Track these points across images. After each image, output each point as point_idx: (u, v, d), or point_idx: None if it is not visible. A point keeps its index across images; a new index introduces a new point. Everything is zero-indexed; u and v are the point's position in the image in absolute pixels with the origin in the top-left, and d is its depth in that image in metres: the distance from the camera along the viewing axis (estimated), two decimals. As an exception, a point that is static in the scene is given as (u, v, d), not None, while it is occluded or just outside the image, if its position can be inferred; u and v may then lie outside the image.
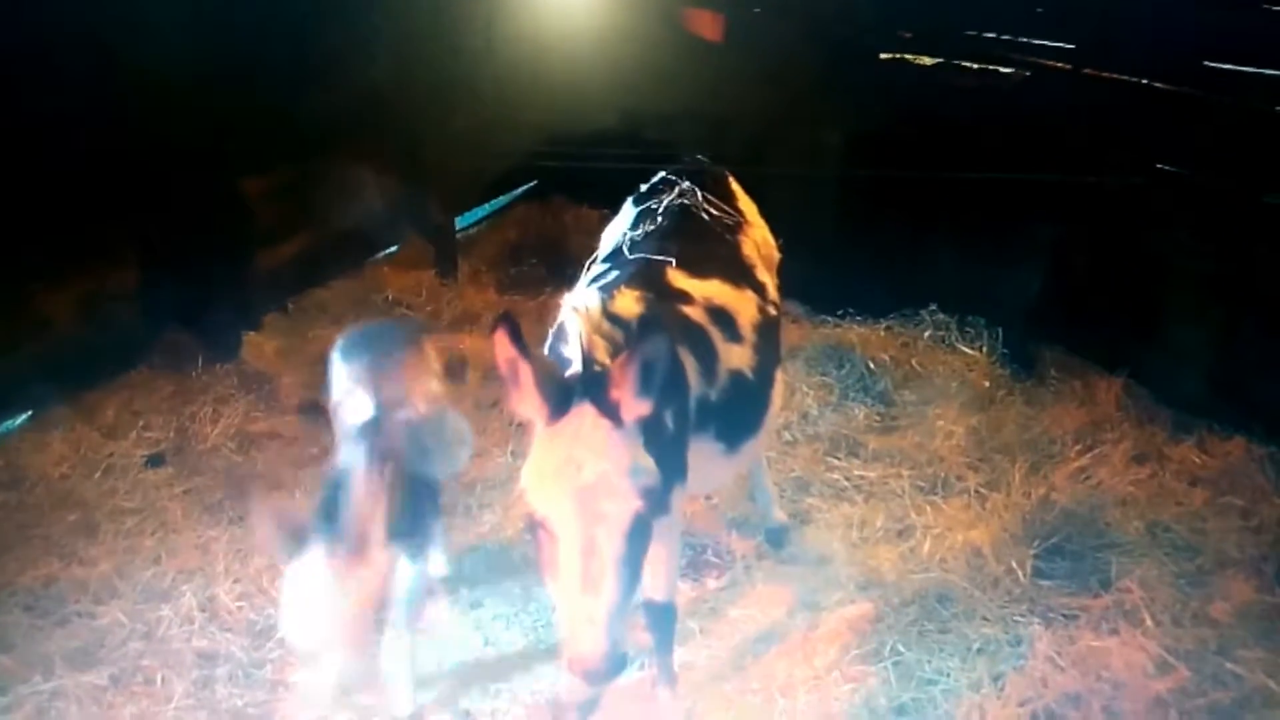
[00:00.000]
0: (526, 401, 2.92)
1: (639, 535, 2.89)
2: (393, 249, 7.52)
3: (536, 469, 2.91)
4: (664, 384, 2.93)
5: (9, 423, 5.51)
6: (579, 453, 2.86)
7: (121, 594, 4.51)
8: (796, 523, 5.03)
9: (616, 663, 2.87)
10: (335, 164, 6.38)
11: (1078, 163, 5.83)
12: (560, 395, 2.91)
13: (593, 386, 2.91)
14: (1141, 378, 5.88)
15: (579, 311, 3.15)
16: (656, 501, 2.93)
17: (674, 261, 3.79)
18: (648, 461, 2.93)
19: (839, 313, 6.67)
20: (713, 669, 4.25)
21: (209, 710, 4.03)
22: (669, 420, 3.28)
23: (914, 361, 6.21)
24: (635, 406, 2.88)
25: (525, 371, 2.88)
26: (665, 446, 3.25)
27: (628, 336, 3.19)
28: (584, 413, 2.88)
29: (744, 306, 3.87)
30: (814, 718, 3.99)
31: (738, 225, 4.32)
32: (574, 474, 2.84)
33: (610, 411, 2.88)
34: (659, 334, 2.93)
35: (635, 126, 7.28)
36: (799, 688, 4.11)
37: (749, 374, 3.75)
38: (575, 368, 3.03)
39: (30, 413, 5.55)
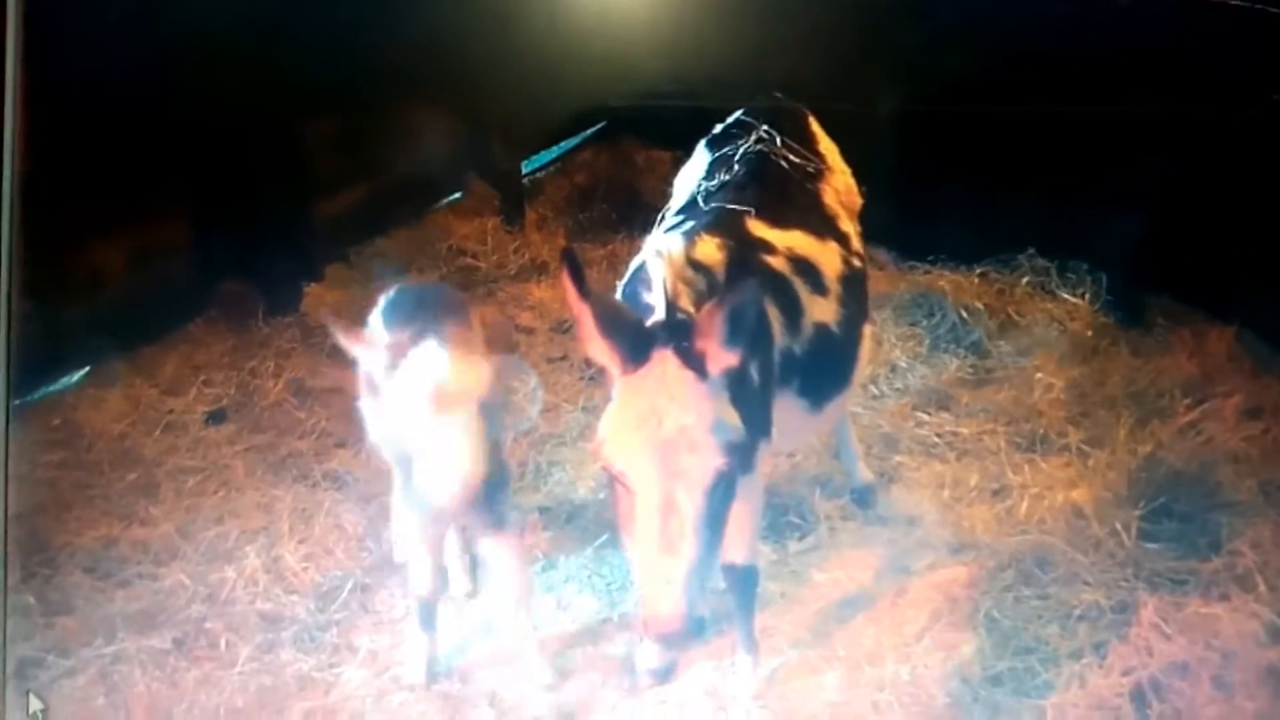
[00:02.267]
0: (593, 346, 2.91)
1: (722, 494, 2.88)
2: (456, 195, 7.52)
3: (614, 420, 2.91)
4: (752, 335, 2.90)
5: (66, 379, 5.59)
6: (660, 404, 2.84)
7: (184, 555, 4.58)
8: (884, 481, 5.00)
9: (694, 627, 2.88)
10: (396, 109, 6.39)
11: (1187, 94, 5.69)
12: (638, 342, 2.89)
13: (676, 334, 2.89)
14: (1255, 326, 5.74)
15: (662, 255, 3.13)
16: (742, 459, 2.91)
17: (753, 211, 3.75)
18: (733, 416, 2.91)
19: (929, 258, 6.56)
20: (795, 635, 4.23)
21: (273, 674, 4.09)
22: (754, 373, 3.26)
23: (1010, 310, 6.12)
24: (722, 357, 2.86)
25: (586, 313, 2.87)
26: (750, 401, 3.23)
27: (711, 284, 3.17)
28: (665, 362, 2.87)
29: (827, 258, 3.84)
30: (902, 687, 3.96)
31: (819, 172, 4.27)
32: (654, 426, 2.83)
33: (694, 362, 2.85)
34: (750, 280, 2.89)
35: (708, 62, 7.19)
36: (887, 656, 4.09)
37: (834, 327, 3.72)
38: (658, 314, 3.01)
39: (88, 369, 5.63)
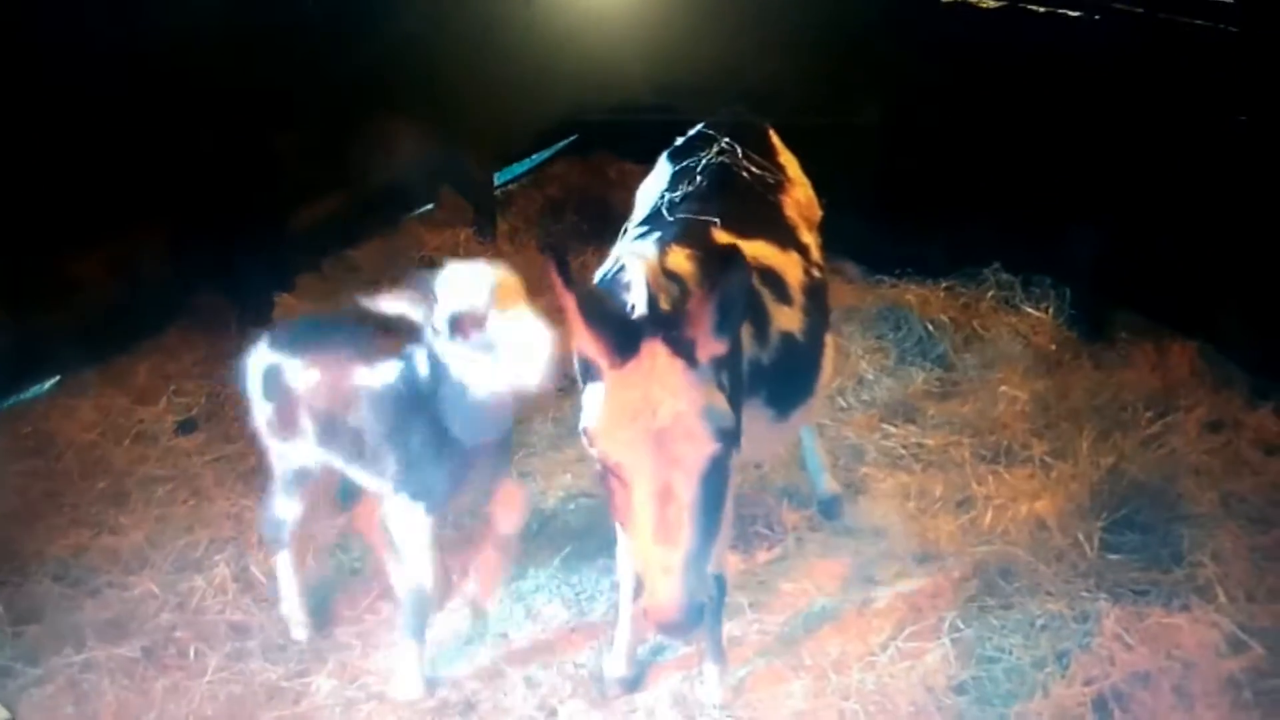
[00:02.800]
0: (581, 339, 2.93)
1: (716, 479, 2.92)
2: (429, 206, 7.54)
3: (607, 414, 2.92)
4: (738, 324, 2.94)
5: (37, 388, 5.60)
6: (654, 394, 2.87)
7: (153, 564, 4.58)
8: (851, 493, 5.03)
9: (695, 614, 2.90)
10: (370, 120, 6.40)
11: (1151, 112, 5.75)
12: (626, 334, 2.92)
13: (664, 325, 2.92)
14: (1217, 340, 5.80)
15: (639, 256, 3.14)
16: (733, 443, 2.96)
17: (718, 222, 3.77)
18: (722, 402, 2.96)
19: (896, 272, 6.61)
20: (762, 645, 4.27)
21: (242, 683, 4.10)
22: (724, 382, 3.28)
23: (976, 323, 6.17)
24: (711, 345, 2.89)
25: (571, 304, 2.89)
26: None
27: (684, 292, 3.19)
28: (655, 352, 2.89)
29: (790, 268, 3.87)
30: (868, 696, 4.00)
31: (779, 183, 4.29)
32: (648, 417, 2.85)
33: (684, 350, 2.88)
34: (740, 267, 2.90)
35: (680, 77, 7.23)
36: (853, 665, 4.13)
37: (799, 337, 3.74)
38: (640, 310, 3.02)
39: (59, 378, 5.63)
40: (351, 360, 3.87)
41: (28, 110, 5.13)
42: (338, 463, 3.99)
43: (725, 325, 2.88)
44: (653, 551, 2.86)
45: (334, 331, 4.06)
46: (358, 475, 3.97)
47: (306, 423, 3.94)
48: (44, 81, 5.13)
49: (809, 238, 4.17)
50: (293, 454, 4.07)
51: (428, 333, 3.58)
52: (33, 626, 4.29)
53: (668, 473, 2.85)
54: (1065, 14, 6.21)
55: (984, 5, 6.51)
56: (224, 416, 5.46)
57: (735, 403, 3.38)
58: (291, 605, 4.32)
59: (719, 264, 2.93)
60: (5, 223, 5.12)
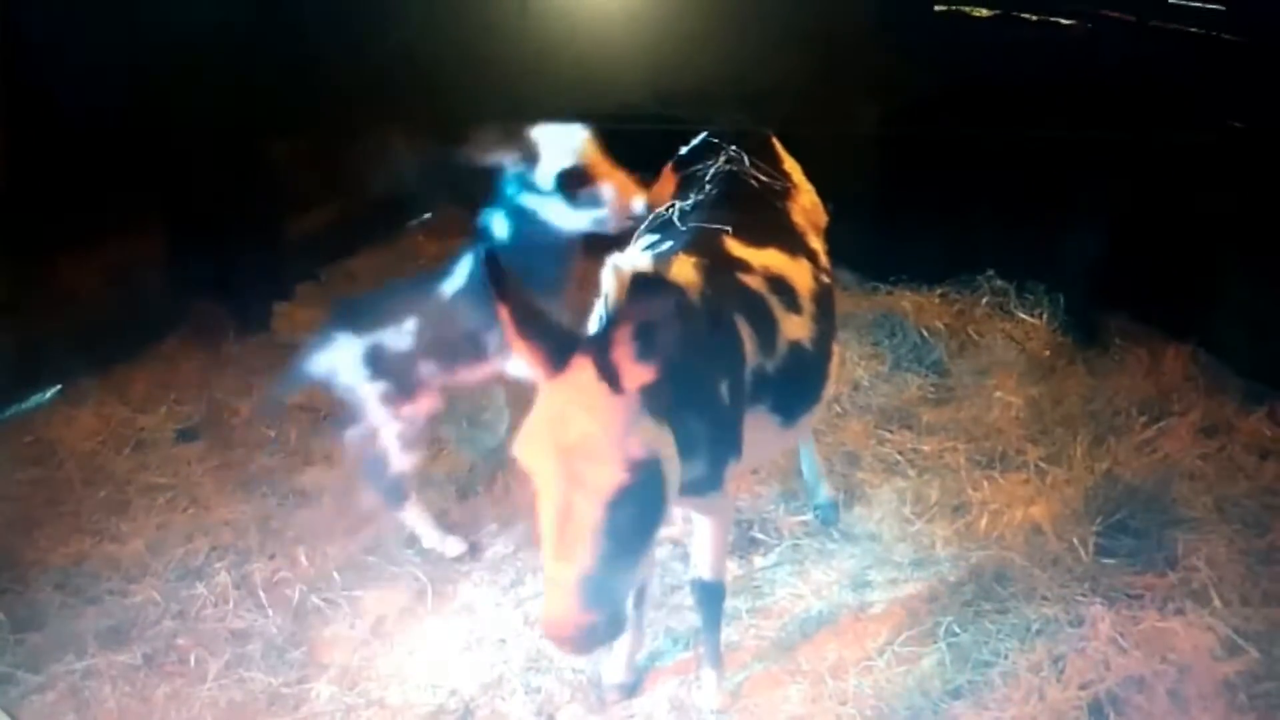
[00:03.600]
0: (516, 347, 2.91)
1: (626, 508, 2.84)
2: (427, 216, 7.56)
3: (529, 421, 2.90)
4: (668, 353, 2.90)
5: (38, 397, 5.61)
6: (569, 410, 2.84)
7: (154, 572, 4.60)
8: (847, 498, 5.04)
9: (589, 635, 2.87)
10: (368, 129, 6.42)
11: (1143, 119, 5.78)
12: (560, 347, 2.89)
13: (598, 345, 2.86)
14: (1210, 345, 5.83)
15: (614, 267, 3.14)
16: (648, 479, 2.87)
17: (730, 230, 3.78)
18: (648, 433, 2.89)
19: (890, 279, 6.64)
20: (759, 650, 4.29)
21: (243, 690, 4.12)
22: (723, 392, 3.30)
23: (970, 329, 6.20)
24: (637, 372, 2.82)
25: (505, 314, 2.88)
26: (716, 420, 3.29)
27: (683, 304, 3.20)
28: (583, 369, 2.85)
29: (801, 275, 3.86)
30: (865, 701, 4.02)
31: (786, 190, 4.30)
32: (559, 432, 2.83)
33: (609, 374, 2.83)
34: (660, 294, 2.88)
35: (678, 86, 7.26)
36: (849, 670, 4.14)
37: (808, 344, 3.74)
38: (595, 325, 3.04)
39: (60, 387, 5.65)
40: (427, 294, 4.39)
41: (28, 119, 5.15)
42: (463, 376, 4.42)
43: (650, 353, 2.80)
44: (549, 565, 2.85)
45: (396, 291, 4.61)
46: (472, 374, 4.40)
47: (428, 370, 4.35)
48: (43, 91, 5.15)
49: (816, 243, 4.17)
50: (415, 410, 4.42)
51: (514, 189, 4.13)
52: (34, 634, 4.31)
53: (570, 492, 2.81)
54: (1058, 22, 6.25)
55: (977, 14, 6.55)
56: (224, 424, 5.48)
57: (734, 416, 3.39)
58: (434, 537, 4.70)
59: (642, 290, 2.88)
60: (5, 232, 5.14)
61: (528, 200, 4.25)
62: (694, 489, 3.35)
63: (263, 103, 6.00)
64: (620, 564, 2.89)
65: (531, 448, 2.87)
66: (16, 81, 5.08)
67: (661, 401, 2.95)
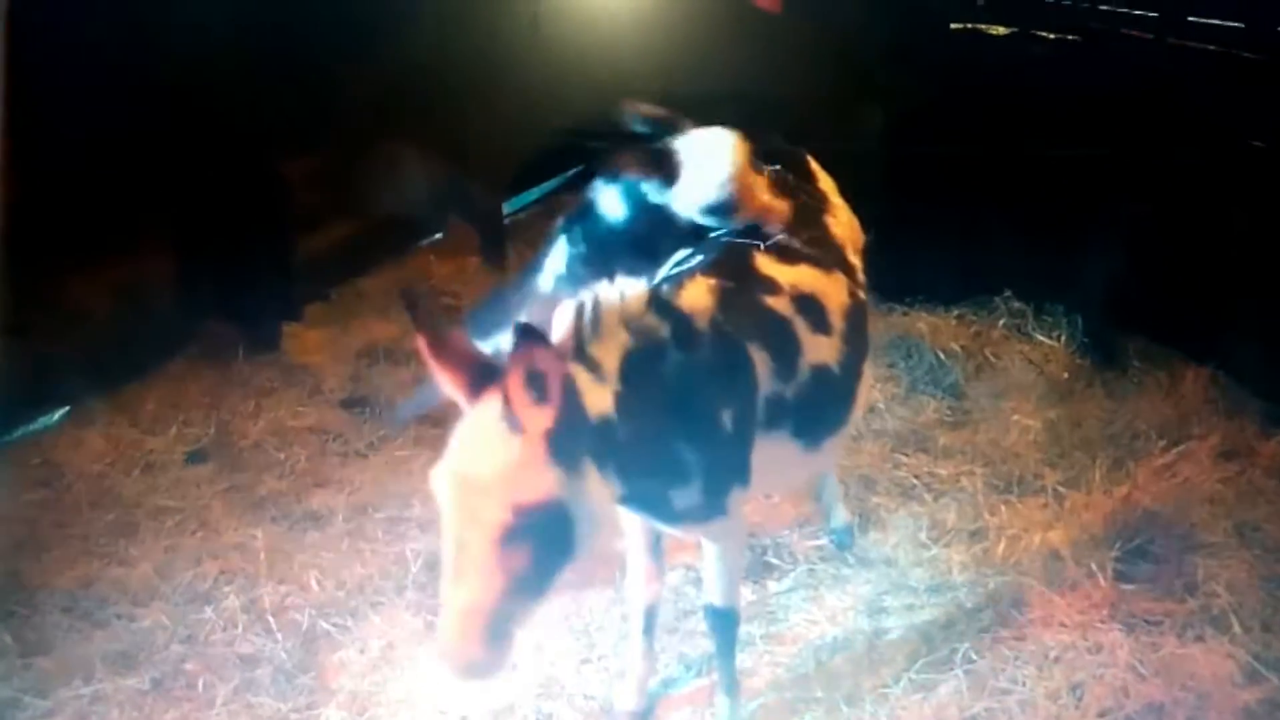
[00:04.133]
0: (438, 376, 2.90)
1: (518, 549, 2.79)
2: (438, 235, 7.57)
3: (449, 444, 2.89)
4: (699, 380, 2.90)
5: (46, 419, 5.61)
6: (468, 439, 2.84)
7: (162, 595, 4.58)
8: (862, 523, 5.01)
9: (470, 664, 2.84)
10: (378, 148, 6.44)
11: (1162, 138, 5.76)
12: (479, 376, 2.87)
13: (504, 380, 2.80)
14: (1230, 368, 5.81)
15: (581, 303, 3.10)
16: (547, 523, 2.81)
17: (762, 245, 3.73)
18: (549, 480, 2.82)
19: (907, 300, 6.61)
20: (774, 676, 4.25)
21: (251, 716, 4.08)
22: (725, 420, 3.27)
23: (987, 352, 6.18)
24: (535, 415, 2.76)
25: (422, 344, 2.87)
26: (714, 448, 3.26)
27: (681, 332, 3.18)
28: (491, 404, 2.82)
29: (833, 292, 3.78)
30: (881, 728, 3.99)
31: (822, 207, 4.25)
32: (461, 461, 2.82)
33: (509, 413, 2.78)
34: (531, 342, 2.73)
35: (690, 104, 7.25)
36: (865, 697, 4.10)
37: (834, 367, 3.66)
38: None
39: (68, 408, 5.65)
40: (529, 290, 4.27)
41: (36, 138, 5.16)
42: None
43: (543, 398, 2.75)
44: (446, 588, 2.82)
45: (505, 294, 4.49)
46: None
47: None
48: (52, 109, 5.16)
49: (855, 259, 4.13)
50: None
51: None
52: (41, 658, 4.28)
53: (461, 524, 2.78)
54: (1075, 40, 6.24)
55: (995, 32, 6.55)
56: (233, 446, 5.48)
57: (739, 444, 3.34)
58: None
59: (516, 334, 2.75)
60: (13, 253, 5.14)
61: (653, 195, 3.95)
62: (693, 516, 3.34)
63: (273, 122, 6.02)
64: (511, 601, 2.83)
65: (439, 470, 2.86)
66: (25, 100, 5.08)
67: (578, 447, 2.90)
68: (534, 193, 8.24)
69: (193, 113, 5.62)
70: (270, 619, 4.46)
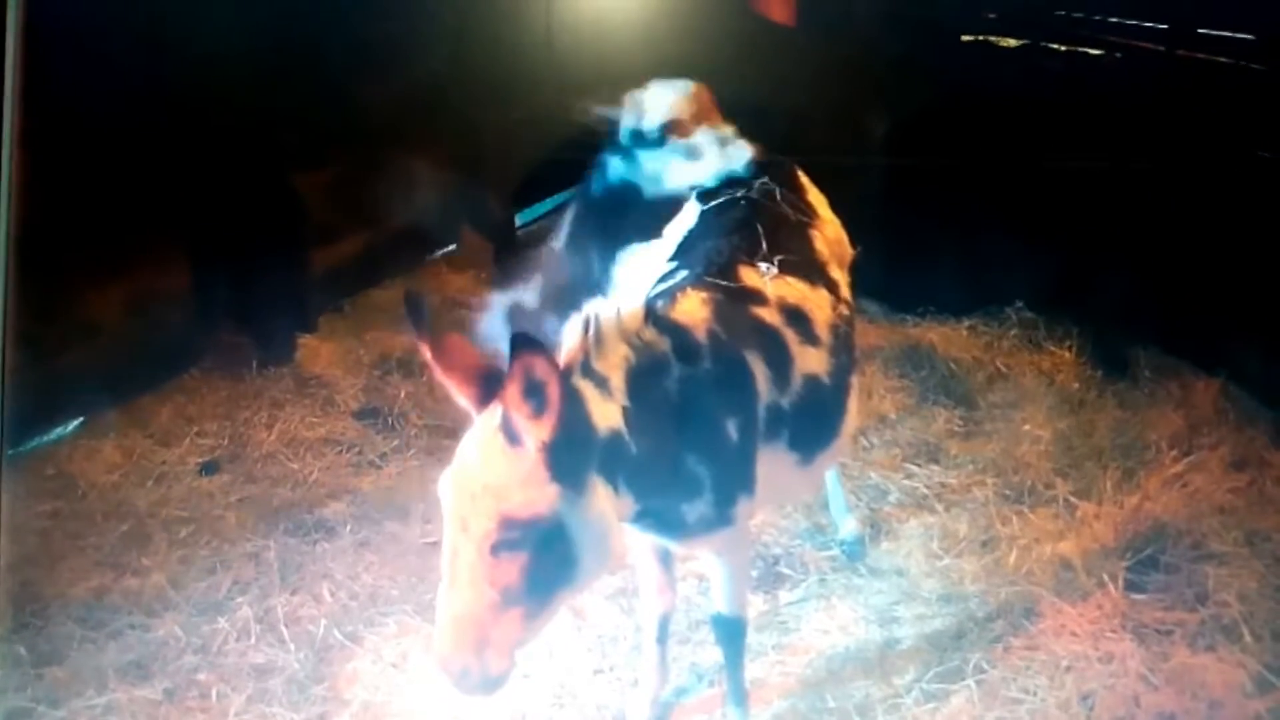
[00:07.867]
0: (445, 383, 2.93)
1: (507, 561, 2.78)
2: (451, 247, 7.59)
3: (458, 450, 2.91)
4: (704, 391, 2.91)
5: (59, 430, 5.63)
6: (468, 449, 2.85)
7: (176, 606, 4.60)
8: (874, 533, 5.03)
9: (465, 675, 2.82)
10: (392, 161, 6.46)
11: (1172, 150, 5.77)
12: (484, 386, 2.89)
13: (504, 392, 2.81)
14: (1241, 378, 5.81)
15: (586, 319, 3.11)
16: (543, 540, 2.80)
17: (748, 259, 3.76)
18: (546, 497, 2.80)
19: (918, 311, 6.64)
20: (785, 687, 4.25)
21: (265, 726, 4.12)
22: (730, 430, 3.30)
23: (998, 362, 6.19)
24: (532, 427, 2.76)
25: (425, 352, 2.90)
26: (722, 458, 3.28)
27: (681, 346, 3.20)
28: (494, 414, 2.84)
29: (818, 306, 3.81)
30: (892, 738, 4.00)
31: (809, 221, 4.28)
32: (462, 468, 2.83)
33: (508, 425, 2.79)
34: (527, 350, 2.72)
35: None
36: (876, 707, 4.11)
37: (825, 378, 3.70)
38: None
39: (81, 419, 5.67)
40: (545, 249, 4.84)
41: (49, 148, 5.19)
42: None
43: (540, 410, 2.74)
44: (441, 594, 2.83)
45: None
46: None
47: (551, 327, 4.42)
48: (66, 120, 5.19)
49: (838, 274, 4.14)
50: None
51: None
52: (54, 668, 4.29)
53: (456, 530, 2.79)
54: (1085, 52, 6.25)
55: (1005, 44, 6.56)
56: (246, 457, 5.50)
57: (744, 454, 3.36)
58: None
59: (513, 344, 2.74)
60: (27, 264, 5.17)
61: (634, 152, 4.45)
62: (702, 527, 3.35)
63: (288, 134, 6.05)
64: (504, 614, 2.81)
65: (444, 474, 2.87)
66: (40, 111, 5.12)
67: (583, 463, 2.90)
68: (547, 204, 8.24)
69: (207, 125, 5.65)
70: (283, 629, 4.48)
